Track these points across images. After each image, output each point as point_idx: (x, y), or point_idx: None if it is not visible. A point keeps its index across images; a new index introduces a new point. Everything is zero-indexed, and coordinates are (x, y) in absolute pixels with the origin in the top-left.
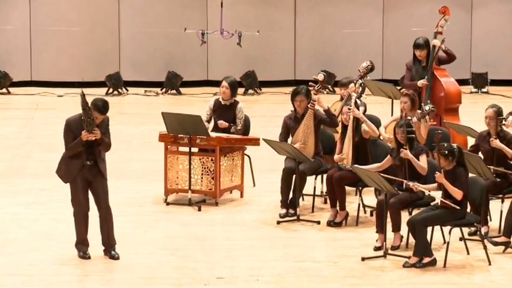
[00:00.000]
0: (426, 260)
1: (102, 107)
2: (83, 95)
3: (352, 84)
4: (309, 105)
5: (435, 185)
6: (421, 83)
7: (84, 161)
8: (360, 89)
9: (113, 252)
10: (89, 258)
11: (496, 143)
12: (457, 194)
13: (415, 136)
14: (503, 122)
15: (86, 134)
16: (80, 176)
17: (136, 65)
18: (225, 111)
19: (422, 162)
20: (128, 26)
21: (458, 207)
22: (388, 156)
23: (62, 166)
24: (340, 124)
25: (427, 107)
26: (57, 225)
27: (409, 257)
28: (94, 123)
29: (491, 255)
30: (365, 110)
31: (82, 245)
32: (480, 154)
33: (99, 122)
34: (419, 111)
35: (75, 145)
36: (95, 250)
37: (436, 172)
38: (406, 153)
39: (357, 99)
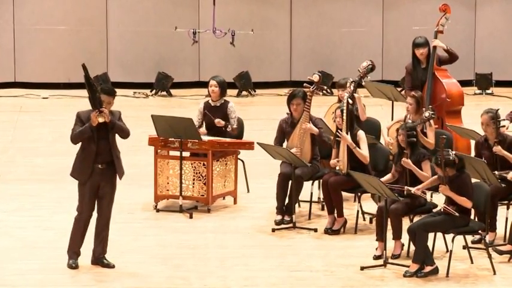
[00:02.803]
0: (428, 269)
1: (110, 88)
2: (86, 69)
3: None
4: (305, 108)
5: (435, 177)
6: None
7: (94, 162)
8: (352, 88)
9: (105, 261)
10: (77, 267)
11: (499, 149)
12: (466, 203)
13: (417, 140)
14: (500, 124)
15: (95, 115)
16: (89, 181)
17: (125, 65)
18: (215, 112)
19: (425, 170)
20: (116, 24)
21: (457, 214)
22: (394, 166)
23: (76, 166)
24: (335, 128)
25: (426, 113)
26: (43, 233)
27: (409, 266)
28: (101, 100)
29: (496, 264)
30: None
31: (73, 252)
32: None
33: (109, 112)
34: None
35: (82, 131)
36: (82, 259)
37: (440, 185)
38: (407, 162)
39: (349, 99)
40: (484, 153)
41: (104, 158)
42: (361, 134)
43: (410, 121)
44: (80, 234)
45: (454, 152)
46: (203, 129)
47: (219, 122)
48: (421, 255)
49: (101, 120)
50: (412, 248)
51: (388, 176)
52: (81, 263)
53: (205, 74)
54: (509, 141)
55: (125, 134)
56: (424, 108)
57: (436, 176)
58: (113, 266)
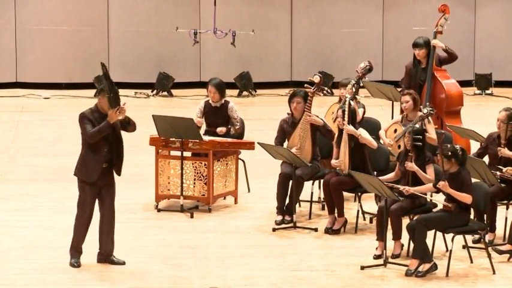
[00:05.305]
0: (426, 266)
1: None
2: (104, 66)
3: (349, 86)
4: (305, 108)
5: (430, 185)
6: None
7: (104, 158)
8: (354, 89)
9: (115, 259)
10: (79, 266)
11: (504, 152)
12: (466, 198)
13: (423, 145)
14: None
15: (113, 112)
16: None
17: (126, 65)
18: (216, 113)
19: (428, 173)
20: (117, 25)
21: (450, 205)
22: (398, 163)
23: (84, 167)
24: (336, 128)
25: (425, 110)
26: (43, 232)
27: (409, 263)
28: (119, 98)
29: (495, 264)
30: (364, 112)
31: (76, 251)
32: (487, 156)
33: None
34: (419, 113)
35: (101, 129)
36: (84, 258)
37: (440, 182)
38: (411, 166)
39: (351, 101)
40: (491, 149)
41: (107, 157)
42: (361, 130)
43: (409, 122)
44: (84, 232)
45: (458, 146)
46: (200, 128)
47: (221, 130)
48: (421, 250)
49: (120, 117)
50: (412, 247)
51: (391, 175)
52: (82, 262)
53: (206, 75)
54: None
55: (135, 127)
56: (421, 106)
57: (431, 184)
58: (124, 263)
